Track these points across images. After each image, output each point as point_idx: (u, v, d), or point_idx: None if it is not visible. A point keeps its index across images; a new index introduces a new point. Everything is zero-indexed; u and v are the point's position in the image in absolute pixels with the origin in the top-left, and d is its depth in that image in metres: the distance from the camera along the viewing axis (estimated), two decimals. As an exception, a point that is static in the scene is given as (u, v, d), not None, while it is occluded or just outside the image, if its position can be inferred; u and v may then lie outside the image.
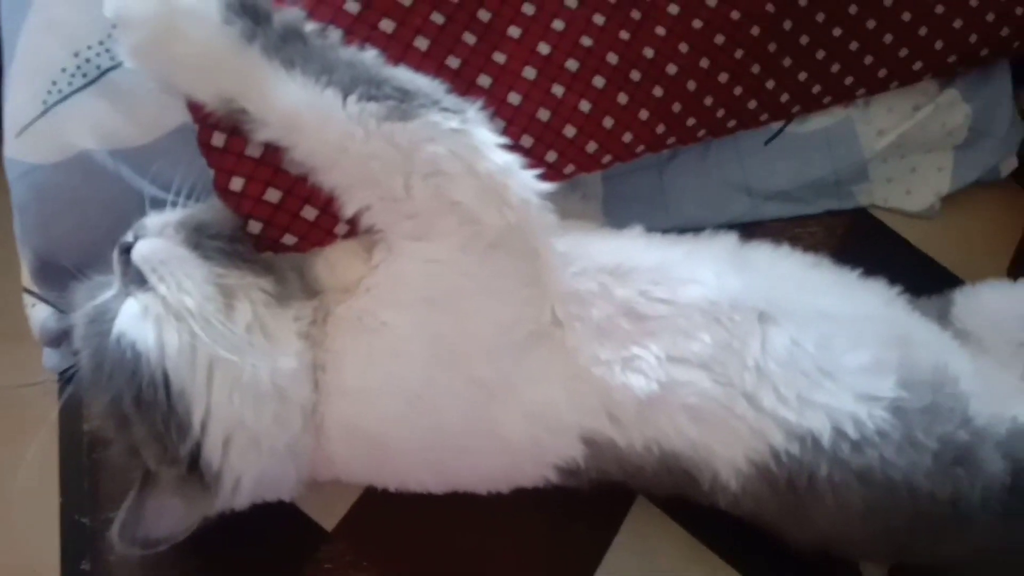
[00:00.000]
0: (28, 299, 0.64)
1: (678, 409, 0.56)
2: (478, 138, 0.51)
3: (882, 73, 0.77)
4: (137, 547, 0.52)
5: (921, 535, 0.60)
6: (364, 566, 0.59)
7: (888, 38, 0.76)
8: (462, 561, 0.61)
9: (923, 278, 0.79)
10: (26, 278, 0.64)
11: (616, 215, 0.73)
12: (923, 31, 0.77)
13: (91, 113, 0.58)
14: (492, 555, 0.61)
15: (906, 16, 0.76)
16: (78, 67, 0.58)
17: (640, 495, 0.66)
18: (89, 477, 0.60)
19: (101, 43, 0.58)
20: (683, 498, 0.63)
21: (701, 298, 0.58)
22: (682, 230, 0.67)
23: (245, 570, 0.58)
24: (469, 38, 0.59)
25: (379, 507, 0.60)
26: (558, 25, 0.62)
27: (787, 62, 0.73)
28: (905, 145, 0.82)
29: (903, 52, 0.77)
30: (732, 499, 0.59)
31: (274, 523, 0.57)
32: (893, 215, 0.84)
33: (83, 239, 0.58)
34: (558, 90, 0.61)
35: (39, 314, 0.63)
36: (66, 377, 0.66)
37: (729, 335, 0.57)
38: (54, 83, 0.58)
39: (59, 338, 0.64)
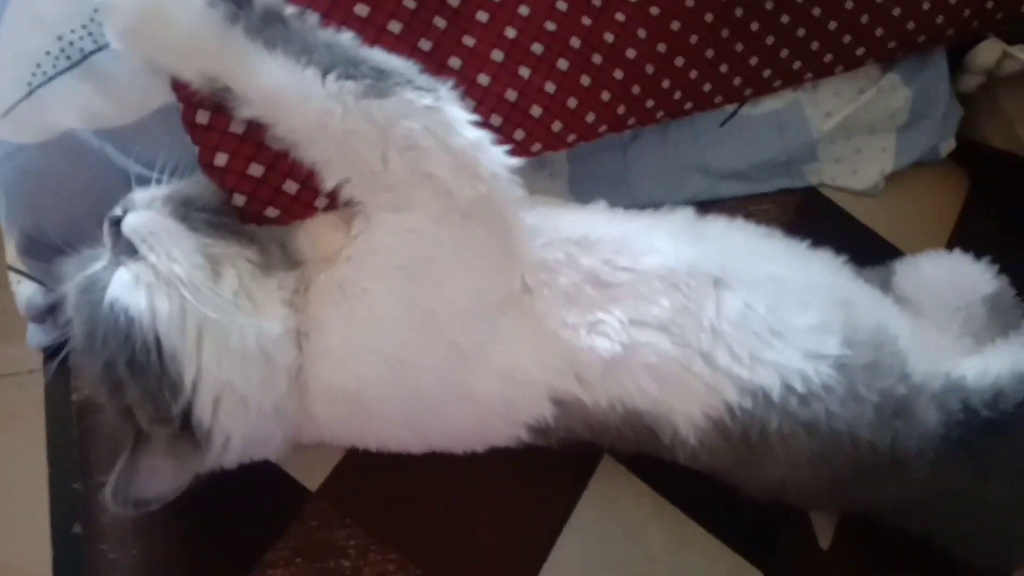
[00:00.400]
0: (13, 277, 0.66)
1: (640, 369, 0.60)
2: (450, 115, 0.55)
3: (828, 58, 0.82)
4: (130, 507, 0.54)
5: (864, 482, 0.64)
6: (348, 523, 0.62)
7: (832, 25, 0.81)
8: (440, 518, 0.64)
9: (868, 251, 0.84)
10: (11, 256, 0.66)
11: (581, 193, 0.77)
12: (865, 19, 0.82)
13: (75, 95, 0.59)
14: (468, 512, 0.65)
15: (849, 4, 0.81)
16: (61, 50, 0.60)
17: (606, 454, 0.70)
18: (79, 444, 0.62)
19: (84, 27, 0.60)
20: (647, 455, 0.67)
21: (660, 266, 0.62)
22: (643, 207, 0.71)
23: (233, 530, 0.60)
24: (440, 22, 0.62)
25: (361, 467, 0.63)
26: (523, 10, 0.65)
27: (739, 47, 0.78)
28: (851, 127, 0.87)
29: (847, 38, 0.82)
30: (691, 453, 0.63)
31: (259, 485, 0.60)
32: (841, 193, 0.89)
33: (69, 216, 0.60)
34: (524, 72, 0.65)
35: (25, 290, 0.65)
36: (50, 352, 0.69)
37: (686, 299, 0.61)
38: (38, 66, 0.59)
39: (45, 314, 0.65)
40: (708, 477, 0.67)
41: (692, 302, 0.61)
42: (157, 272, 0.51)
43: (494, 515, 0.65)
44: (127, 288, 0.51)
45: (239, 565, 0.59)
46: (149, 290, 0.51)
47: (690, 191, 0.82)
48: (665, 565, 0.68)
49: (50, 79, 0.59)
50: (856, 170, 0.89)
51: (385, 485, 0.64)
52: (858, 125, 0.87)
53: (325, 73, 0.52)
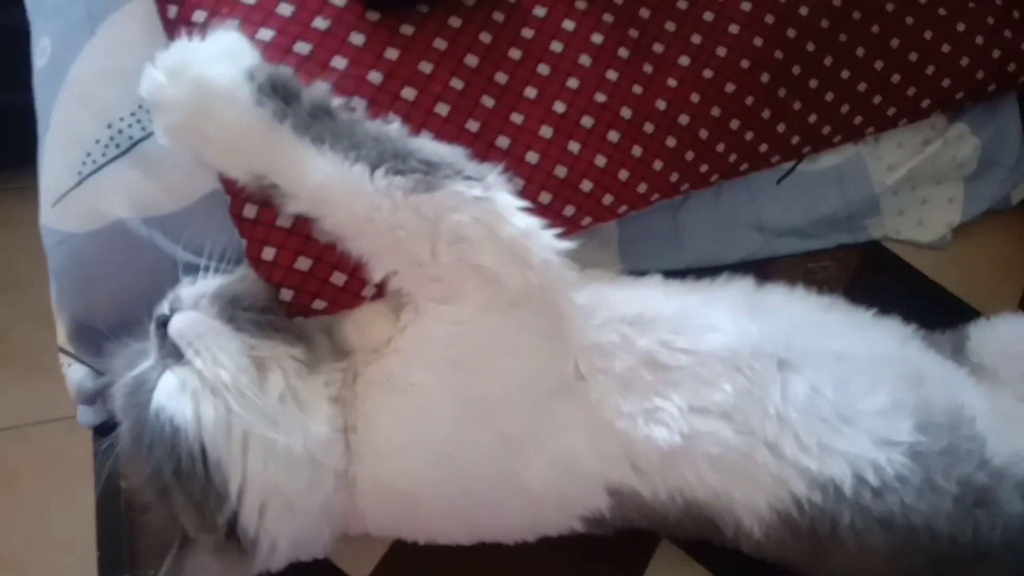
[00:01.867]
0: (64, 359, 0.66)
1: (701, 459, 0.57)
2: (500, 204, 0.53)
3: (891, 111, 0.79)
4: (177, 606, 0.53)
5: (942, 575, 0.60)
6: (396, 616, 0.60)
7: (896, 78, 0.78)
8: (491, 609, 0.62)
9: (937, 309, 0.80)
10: (61, 338, 0.66)
11: (632, 256, 0.75)
12: (930, 70, 0.78)
13: (124, 182, 0.59)
14: (520, 602, 0.62)
15: (913, 56, 0.77)
16: (111, 138, 0.60)
17: (664, 538, 0.67)
18: (127, 533, 0.61)
19: (132, 114, 0.60)
20: (706, 541, 0.64)
21: (721, 346, 0.59)
22: (697, 269, 0.68)
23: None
24: (487, 101, 0.61)
25: (408, 557, 0.61)
26: (573, 83, 0.64)
27: (797, 105, 0.74)
28: (915, 178, 0.83)
29: (911, 91, 0.78)
30: (755, 545, 0.60)
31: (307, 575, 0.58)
32: (905, 246, 0.85)
33: (118, 304, 0.60)
34: (574, 147, 0.63)
35: (75, 373, 0.65)
36: (104, 439, 0.69)
37: (750, 383, 0.58)
38: (88, 154, 0.60)
39: (94, 397, 0.65)
40: (772, 565, 0.63)
41: (756, 386, 0.58)
42: (203, 378, 0.50)
43: (548, 607, 0.63)
44: (173, 395, 0.50)
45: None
46: (195, 397, 0.50)
47: (746, 249, 0.79)
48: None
49: (100, 167, 0.59)
50: (921, 222, 0.85)
51: (435, 574, 0.62)
52: (923, 176, 0.83)
53: (374, 169, 0.51)
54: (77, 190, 0.59)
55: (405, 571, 0.62)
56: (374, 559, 0.62)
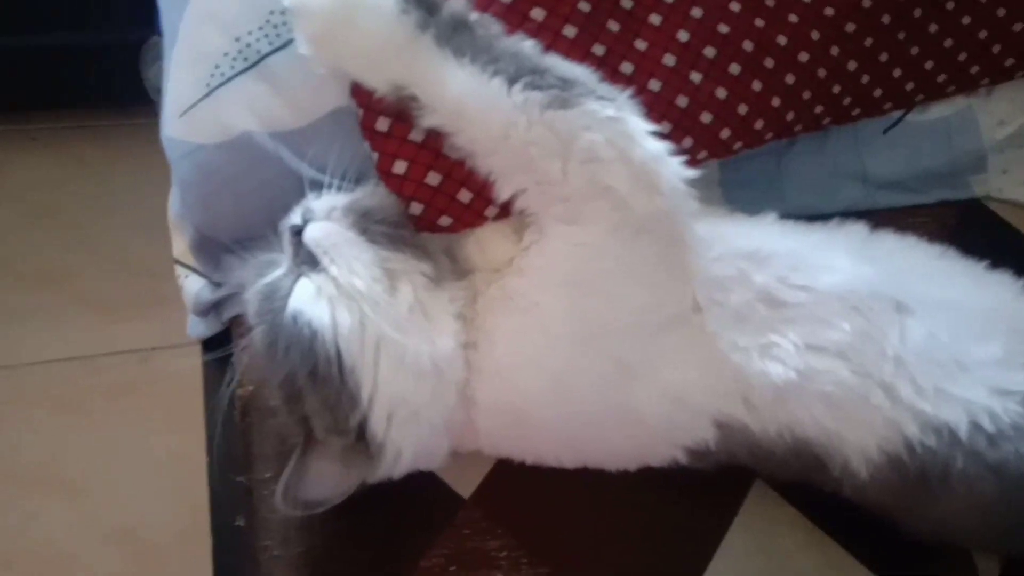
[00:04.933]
0: (180, 270, 0.67)
1: (814, 397, 0.57)
2: (632, 126, 0.52)
3: (1009, 62, 0.76)
4: (299, 508, 0.55)
5: (1051, 528, 0.60)
6: (499, 533, 0.61)
7: (1018, 26, 0.75)
8: (589, 534, 0.63)
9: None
10: (177, 250, 0.68)
11: (733, 201, 0.74)
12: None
13: (251, 96, 0.60)
14: (617, 531, 0.63)
15: (1035, 3, 0.74)
16: (239, 51, 0.60)
17: (758, 479, 0.67)
18: (243, 439, 0.63)
19: (260, 28, 0.61)
20: (802, 484, 0.64)
21: (839, 286, 0.58)
22: (795, 217, 0.67)
23: (387, 533, 0.60)
24: (613, 26, 0.60)
25: (512, 477, 0.62)
26: (696, 12, 0.62)
27: (915, 50, 0.72)
28: (1024, 136, 0.80)
29: (1032, 41, 0.75)
30: (859, 486, 0.59)
31: (413, 489, 0.60)
32: (1005, 206, 0.82)
33: (241, 216, 0.61)
34: (696, 77, 0.62)
35: (192, 285, 0.67)
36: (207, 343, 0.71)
37: (867, 324, 0.58)
38: (216, 66, 0.60)
39: (210, 309, 0.67)
40: (866, 508, 0.63)
41: (874, 327, 0.58)
42: (338, 285, 0.51)
43: (644, 537, 0.63)
44: (309, 300, 0.51)
45: (396, 570, 0.59)
46: (331, 303, 0.51)
47: (847, 200, 0.78)
48: (818, 598, 0.65)
49: (228, 80, 0.60)
50: (1026, 181, 0.82)
51: (536, 497, 0.63)
52: (1033, 134, 0.81)
53: (511, 83, 0.51)
54: (205, 102, 0.60)
55: (507, 491, 0.63)
56: (478, 477, 0.63)
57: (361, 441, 0.53)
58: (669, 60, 0.61)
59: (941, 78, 0.75)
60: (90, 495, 1.15)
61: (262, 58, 0.60)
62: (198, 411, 0.69)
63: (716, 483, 0.64)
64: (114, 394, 1.23)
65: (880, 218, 0.78)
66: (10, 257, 1.32)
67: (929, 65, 0.74)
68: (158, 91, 0.67)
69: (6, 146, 1.42)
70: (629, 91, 0.55)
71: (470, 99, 0.51)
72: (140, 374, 1.27)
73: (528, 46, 0.53)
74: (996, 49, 0.75)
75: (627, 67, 0.60)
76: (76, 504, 1.14)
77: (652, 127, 0.53)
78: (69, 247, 1.35)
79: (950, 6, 0.73)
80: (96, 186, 1.41)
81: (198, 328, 0.69)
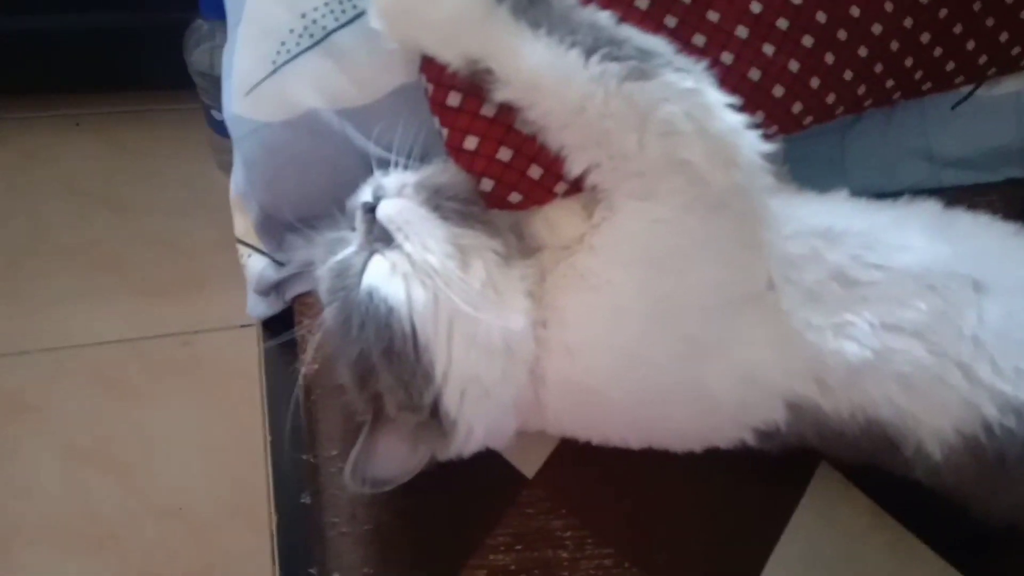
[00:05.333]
0: (243, 250, 0.68)
1: (889, 377, 0.55)
2: (710, 98, 0.51)
3: (1086, 33, 0.73)
4: (367, 486, 0.55)
5: None
6: (564, 513, 0.61)
7: (1097, -2, 0.72)
8: (655, 516, 0.62)
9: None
10: (239, 229, 0.68)
11: (795, 178, 0.72)
12: None
13: (317, 73, 0.60)
14: (683, 514, 0.62)
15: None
16: (304, 28, 0.60)
17: (823, 461, 0.66)
18: (308, 416, 0.63)
19: (326, 3, 0.60)
20: (869, 466, 0.63)
21: (915, 264, 0.57)
22: (857, 196, 0.65)
23: (452, 511, 0.60)
24: (685, -3, 0.58)
25: (576, 457, 0.62)
26: (769, -17, 0.61)
27: (990, 22, 0.70)
28: (1100, 112, 0.78)
29: (1112, 12, 0.72)
30: (932, 469, 0.58)
31: (477, 468, 0.59)
32: (1076, 186, 0.80)
33: (307, 195, 0.61)
34: (768, 49, 0.60)
35: (256, 264, 0.67)
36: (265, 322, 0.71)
37: (944, 303, 0.56)
38: (283, 44, 0.60)
39: (272, 288, 0.67)
40: (934, 492, 0.62)
41: (951, 306, 0.56)
42: (413, 261, 0.50)
43: (710, 519, 0.62)
44: (385, 277, 0.51)
45: (462, 547, 0.59)
46: (406, 280, 0.50)
47: (912, 179, 0.76)
48: (885, 581, 0.64)
49: (294, 57, 0.60)
50: (1097, 160, 0.80)
51: (600, 477, 0.62)
52: (1109, 110, 0.78)
53: (589, 55, 0.50)
54: (271, 79, 0.60)
55: (571, 471, 0.62)
56: (542, 457, 0.63)
57: (434, 418, 0.52)
58: (742, 32, 0.60)
59: (1015, 51, 0.72)
60: (139, 474, 1.17)
61: (328, 34, 0.60)
62: (244, 391, 0.70)
63: (782, 465, 0.63)
64: (159, 375, 1.25)
65: (946, 197, 0.76)
66: (56, 240, 1.34)
67: (1004, 37, 0.71)
68: (201, 75, 0.67)
69: (50, 132, 1.44)
70: (704, 63, 0.53)
71: (546, 71, 0.50)
72: (185, 356, 1.29)
73: (604, 17, 0.52)
74: (1073, 21, 0.72)
75: (699, 39, 0.59)
76: (125, 482, 1.16)
77: (730, 99, 0.52)
78: (114, 231, 1.37)
79: (1026, -23, 0.70)
80: (139, 171, 1.43)
81: (259, 308, 0.70)
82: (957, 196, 0.77)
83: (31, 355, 1.23)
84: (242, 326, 1.25)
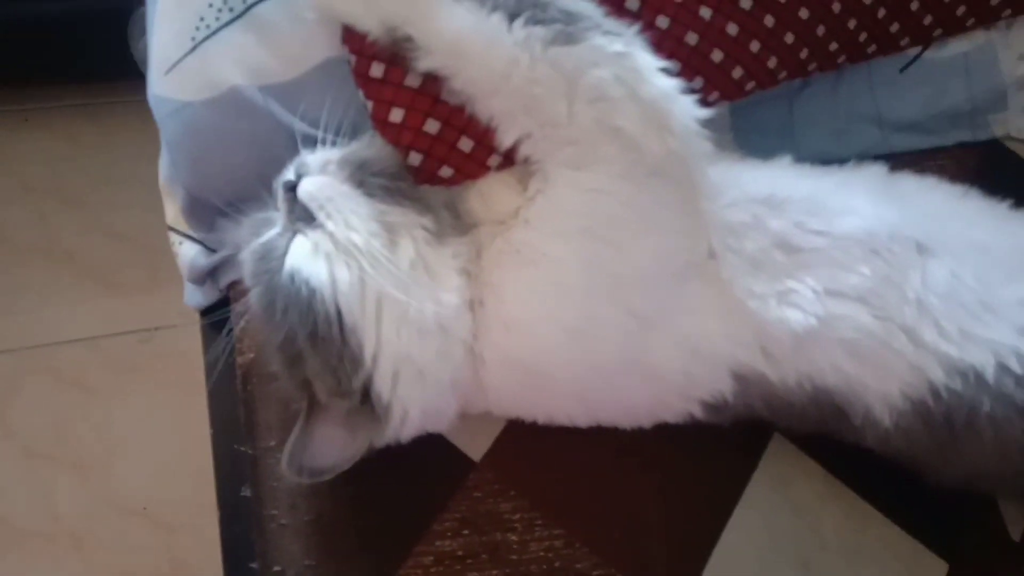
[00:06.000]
0: (174, 237, 0.65)
1: (834, 344, 0.55)
2: (641, 62, 0.50)
3: (1031, -9, 0.72)
4: (305, 476, 0.53)
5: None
6: (512, 495, 0.60)
7: (1041, -48, 0.71)
8: (605, 494, 0.61)
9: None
10: (170, 216, 0.66)
11: (744, 146, 0.71)
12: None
13: (238, 48, 0.57)
14: (634, 489, 0.62)
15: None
16: (224, 1, 0.57)
17: (777, 432, 0.65)
18: (245, 407, 0.61)
19: (246, -24, 0.58)
20: (821, 435, 0.62)
21: (858, 229, 0.56)
22: (809, 163, 0.64)
23: (398, 498, 0.59)
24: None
25: (523, 438, 0.60)
26: (705, -57, 0.59)
27: (933, -19, 0.69)
28: (1048, 71, 0.77)
29: (1056, -32, 0.71)
30: (882, 435, 0.58)
31: (422, 453, 0.58)
32: (1026, 148, 0.80)
33: (233, 176, 0.58)
34: (706, 12, 0.59)
35: (187, 251, 0.64)
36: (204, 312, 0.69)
37: (888, 267, 0.55)
38: (202, 19, 0.57)
39: (206, 276, 0.65)
40: (886, 459, 0.61)
41: (895, 270, 0.55)
42: (336, 240, 0.49)
43: (662, 493, 0.62)
44: (306, 258, 0.49)
45: (408, 534, 0.58)
46: (328, 259, 0.48)
47: (862, 144, 0.75)
48: (840, 550, 0.63)
49: (214, 32, 0.57)
50: (1049, 121, 0.79)
51: (548, 457, 0.61)
52: (1057, 69, 0.77)
53: (512, 18, 0.48)
54: (191, 56, 0.57)
55: (518, 453, 0.61)
56: (489, 440, 0.61)
57: (366, 403, 0.51)
58: (677, -4, 0.58)
59: (960, 10, 0.71)
60: (101, 473, 1.15)
61: (249, 7, 0.57)
62: (203, 387, 0.68)
63: (734, 438, 0.62)
64: (119, 373, 1.23)
65: (897, 162, 0.76)
66: (10, 239, 1.31)
67: (947, -3, 0.70)
68: (147, 64, 0.64)
69: (-2, 127, 1.40)
70: (636, 27, 0.52)
71: (468, 37, 0.48)
72: (145, 353, 1.27)
73: None
74: (1018, -22, 0.72)
75: (633, 3, 0.57)
76: (86, 480, 1.15)
77: (662, 63, 0.51)
78: (69, 226, 1.33)
79: (968, -67, 0.69)
80: (93, 165, 1.40)
81: (195, 297, 0.67)
82: (907, 161, 0.77)
83: (-10, 357, 1.21)
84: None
